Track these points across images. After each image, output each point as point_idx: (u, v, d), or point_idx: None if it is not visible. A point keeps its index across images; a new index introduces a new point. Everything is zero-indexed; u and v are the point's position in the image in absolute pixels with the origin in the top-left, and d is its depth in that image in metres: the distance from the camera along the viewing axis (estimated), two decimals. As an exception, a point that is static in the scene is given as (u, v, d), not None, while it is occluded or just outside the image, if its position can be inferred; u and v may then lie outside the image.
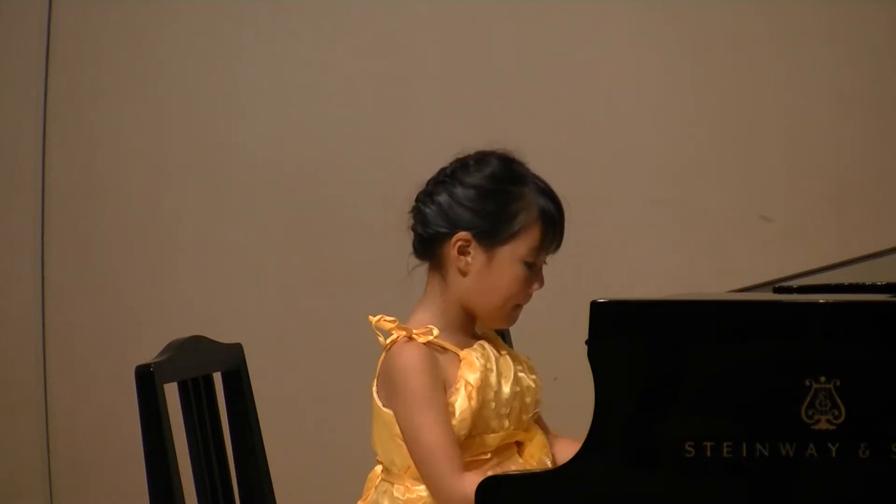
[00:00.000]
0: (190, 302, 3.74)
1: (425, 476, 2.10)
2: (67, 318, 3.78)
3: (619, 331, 1.87)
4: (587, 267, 3.53)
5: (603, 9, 3.65)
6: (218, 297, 3.74)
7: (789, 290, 2.50)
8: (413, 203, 2.26)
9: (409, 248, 2.26)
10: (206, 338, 2.40)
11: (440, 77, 3.70)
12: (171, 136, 3.77)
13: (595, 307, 1.86)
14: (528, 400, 2.23)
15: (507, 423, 2.19)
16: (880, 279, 2.47)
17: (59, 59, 3.76)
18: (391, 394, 2.15)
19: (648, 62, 3.65)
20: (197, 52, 3.76)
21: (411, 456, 2.12)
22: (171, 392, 2.22)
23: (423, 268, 2.26)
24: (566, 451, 2.27)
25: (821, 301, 1.87)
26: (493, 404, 2.16)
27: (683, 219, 3.62)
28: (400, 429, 2.13)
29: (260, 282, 3.75)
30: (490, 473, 2.09)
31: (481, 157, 2.23)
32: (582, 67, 3.66)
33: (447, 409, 2.12)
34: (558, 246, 2.23)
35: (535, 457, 2.23)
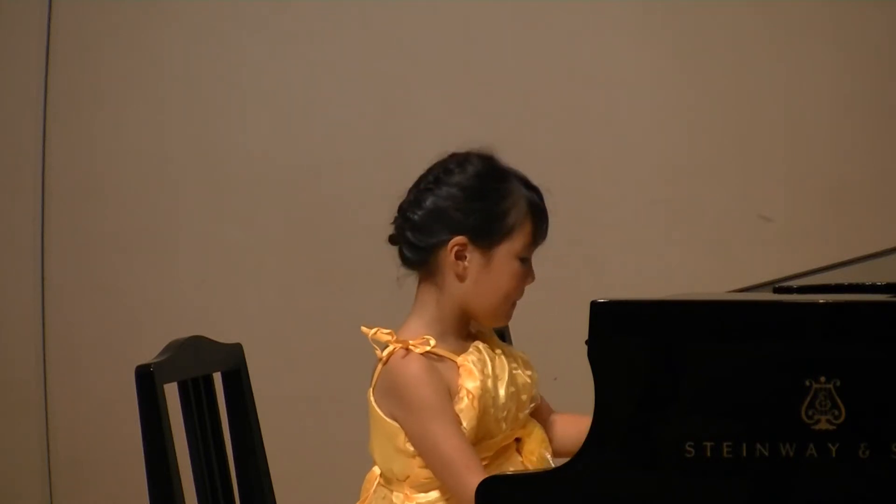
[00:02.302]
0: (190, 302, 3.74)
1: (448, 485, 2.10)
2: (67, 318, 3.78)
3: (619, 331, 1.87)
4: (587, 267, 3.53)
5: (603, 9, 3.65)
6: (218, 297, 3.74)
7: (789, 290, 2.50)
8: (395, 214, 2.25)
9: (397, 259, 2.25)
10: (206, 338, 2.39)
11: (440, 77, 3.70)
12: (171, 136, 3.77)
13: (595, 307, 1.86)
14: (523, 397, 2.23)
15: (504, 426, 2.19)
16: (880, 279, 2.47)
17: (59, 59, 3.76)
18: (398, 408, 2.14)
19: (648, 62, 3.64)
20: (197, 52, 3.76)
21: (430, 466, 2.11)
22: (171, 392, 2.22)
23: (413, 276, 2.25)
24: (570, 426, 2.29)
25: (821, 301, 1.87)
26: (492, 410, 2.16)
27: (683, 219, 3.62)
28: (412, 442, 2.12)
29: (260, 282, 3.75)
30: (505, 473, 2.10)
31: (461, 159, 2.22)
32: (582, 67, 3.66)
33: (456, 416, 2.12)
34: (545, 237, 2.23)
35: (535, 452, 2.23)
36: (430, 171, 2.24)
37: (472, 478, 2.04)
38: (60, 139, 3.78)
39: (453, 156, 2.23)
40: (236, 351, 2.48)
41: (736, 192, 3.61)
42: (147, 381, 2.11)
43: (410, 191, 2.24)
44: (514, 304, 2.24)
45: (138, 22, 3.76)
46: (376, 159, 3.70)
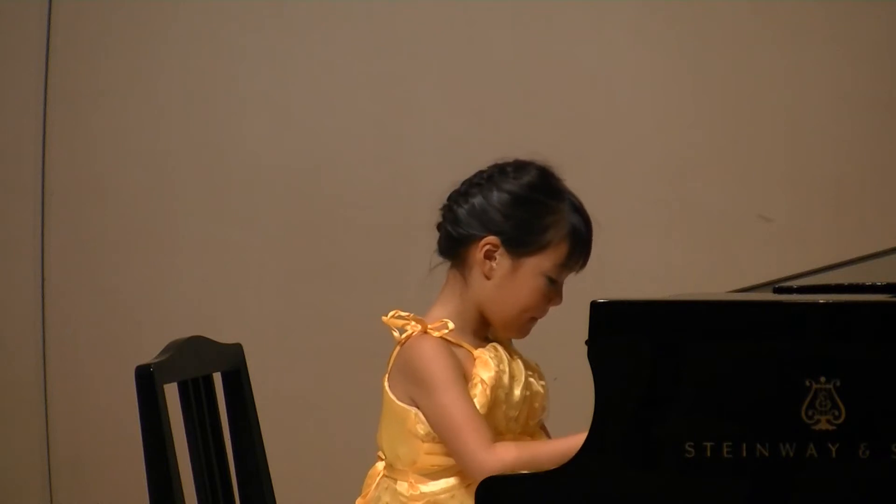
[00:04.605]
0: (190, 302, 3.74)
1: (457, 454, 2.11)
2: (67, 318, 3.78)
3: (619, 331, 1.87)
4: (587, 267, 3.52)
5: (603, 9, 3.65)
6: (218, 297, 3.74)
7: (789, 290, 2.50)
8: (444, 202, 2.26)
9: (428, 246, 2.27)
10: (206, 338, 2.39)
11: (440, 77, 3.70)
12: (171, 136, 3.77)
13: (595, 307, 1.86)
14: (536, 405, 2.24)
15: (514, 427, 2.20)
16: (880, 279, 2.47)
17: (59, 59, 3.76)
18: (411, 385, 2.15)
19: (648, 62, 3.64)
20: (197, 52, 3.76)
21: (442, 437, 2.12)
22: (171, 392, 2.22)
23: (435, 268, 2.27)
24: (579, 439, 2.28)
25: (821, 301, 1.87)
26: (504, 406, 2.17)
27: (683, 219, 3.62)
28: (427, 418, 2.13)
29: (260, 282, 3.74)
30: (519, 443, 2.12)
31: (520, 165, 2.24)
32: (582, 67, 3.66)
33: (468, 390, 2.12)
34: (583, 266, 2.24)
35: (541, 464, 2.23)
36: (488, 168, 2.25)
37: (479, 444, 2.06)
38: (60, 139, 3.78)
39: (515, 161, 2.25)
40: (236, 351, 2.48)
41: (736, 192, 3.61)
42: (147, 381, 2.11)
43: (463, 183, 2.26)
44: (532, 321, 2.25)
45: (138, 22, 3.76)
46: (376, 159, 3.70)
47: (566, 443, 2.02)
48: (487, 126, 3.59)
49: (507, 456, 2.04)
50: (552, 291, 2.22)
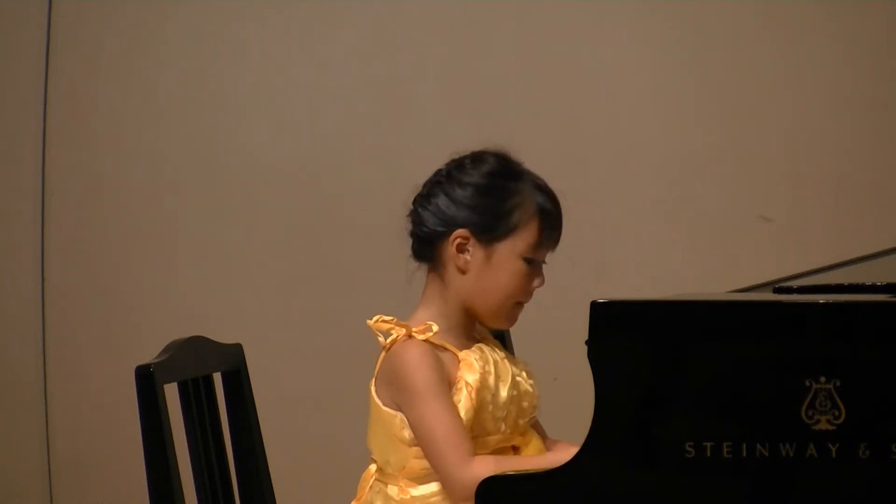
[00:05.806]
0: (190, 302, 3.74)
1: (436, 466, 2.11)
2: (67, 318, 3.78)
3: (619, 331, 1.87)
4: (587, 267, 3.53)
5: (603, 9, 3.65)
6: (218, 297, 3.74)
7: (789, 290, 2.50)
8: (410, 206, 2.26)
9: (409, 252, 2.27)
10: (206, 338, 2.40)
11: (440, 77, 3.70)
12: (171, 136, 3.77)
13: (595, 307, 1.86)
14: (524, 404, 2.23)
15: (503, 427, 2.19)
16: (880, 279, 2.47)
17: (59, 59, 3.76)
18: (396, 391, 2.15)
19: (648, 62, 3.65)
20: (197, 52, 3.76)
21: (422, 448, 2.12)
22: (172, 392, 2.22)
23: (422, 271, 2.26)
24: (565, 455, 2.27)
25: (821, 301, 1.87)
26: (490, 407, 2.17)
27: (683, 219, 3.62)
28: (410, 425, 2.13)
29: (260, 282, 3.75)
30: (498, 457, 2.12)
31: (477, 156, 2.24)
32: (582, 67, 3.66)
33: (452, 400, 2.12)
34: (556, 242, 2.23)
35: (532, 462, 2.23)
36: (445, 166, 2.26)
37: (458, 459, 2.06)
38: (60, 139, 3.78)
39: (471, 153, 2.25)
40: (236, 351, 2.48)
41: (736, 192, 3.61)
42: (147, 381, 2.11)
43: (424, 185, 2.26)
44: (518, 306, 2.24)
45: (138, 22, 3.76)
46: (376, 160, 3.70)
47: (547, 459, 2.02)
48: (487, 126, 3.58)
49: (483, 471, 1.99)
50: (532, 272, 2.21)
